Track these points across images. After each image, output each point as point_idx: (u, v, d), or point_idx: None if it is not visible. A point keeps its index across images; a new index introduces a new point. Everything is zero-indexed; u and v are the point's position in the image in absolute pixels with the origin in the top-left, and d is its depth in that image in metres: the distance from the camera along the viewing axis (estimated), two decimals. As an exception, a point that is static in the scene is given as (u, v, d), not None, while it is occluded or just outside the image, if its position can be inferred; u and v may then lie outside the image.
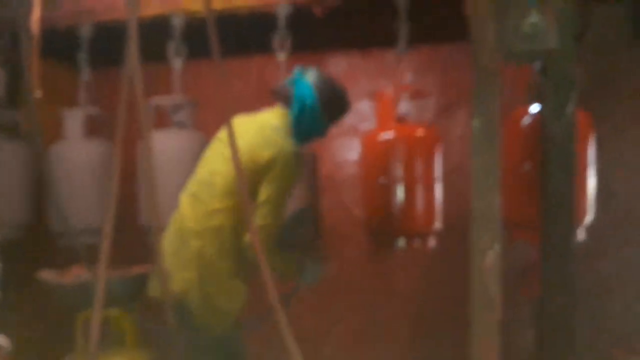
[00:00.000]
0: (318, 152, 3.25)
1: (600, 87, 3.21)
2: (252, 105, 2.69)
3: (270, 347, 3.32)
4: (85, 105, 3.29)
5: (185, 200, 2.53)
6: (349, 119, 3.94)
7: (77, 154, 3.21)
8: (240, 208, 2.34)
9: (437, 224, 2.95)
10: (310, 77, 2.56)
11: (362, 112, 3.90)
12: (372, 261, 3.78)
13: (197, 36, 3.12)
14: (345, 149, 3.87)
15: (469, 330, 2.29)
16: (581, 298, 2.67)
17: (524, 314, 3.11)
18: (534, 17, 2.00)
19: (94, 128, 3.30)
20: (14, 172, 3.22)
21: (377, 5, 2.94)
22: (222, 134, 2.57)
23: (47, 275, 2.99)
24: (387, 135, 2.96)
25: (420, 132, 2.99)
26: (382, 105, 3.02)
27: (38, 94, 2.97)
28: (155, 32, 2.70)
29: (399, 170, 2.87)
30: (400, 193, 2.87)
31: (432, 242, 2.98)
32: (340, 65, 3.95)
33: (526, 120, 2.72)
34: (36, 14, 2.92)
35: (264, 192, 2.35)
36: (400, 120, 3.00)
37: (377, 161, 2.94)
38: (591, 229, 2.81)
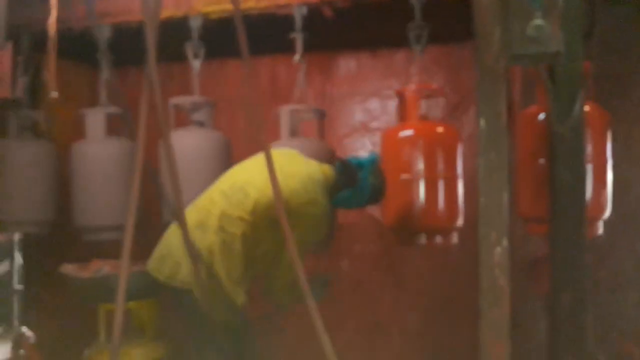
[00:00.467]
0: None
1: (613, 83, 3.20)
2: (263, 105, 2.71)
3: (281, 338, 3.41)
4: (106, 105, 3.34)
5: (214, 196, 2.57)
6: (359, 118, 4.03)
7: (99, 152, 3.26)
8: (259, 227, 2.45)
9: (460, 221, 2.94)
10: (373, 168, 2.67)
11: (372, 111, 3.97)
12: (384, 256, 3.82)
13: (210, 37, 3.21)
14: (357, 147, 3.92)
15: (479, 324, 2.31)
16: (593, 292, 2.68)
17: (536, 308, 3.14)
18: (538, 20, 2.00)
19: (113, 127, 3.35)
20: (36, 171, 3.30)
21: (387, 6, 2.99)
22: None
23: (68, 269, 3.09)
24: (409, 132, 2.97)
25: (441, 129, 3.01)
26: (404, 103, 3.03)
27: (55, 94, 3.03)
28: (169, 34, 2.76)
29: (421, 167, 2.88)
30: (422, 189, 2.88)
31: (454, 239, 2.97)
32: (350, 65, 4.01)
33: (541, 117, 2.70)
34: (53, 16, 2.97)
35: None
36: (423, 117, 3.03)
37: (399, 158, 2.94)
38: (604, 224, 2.82)
